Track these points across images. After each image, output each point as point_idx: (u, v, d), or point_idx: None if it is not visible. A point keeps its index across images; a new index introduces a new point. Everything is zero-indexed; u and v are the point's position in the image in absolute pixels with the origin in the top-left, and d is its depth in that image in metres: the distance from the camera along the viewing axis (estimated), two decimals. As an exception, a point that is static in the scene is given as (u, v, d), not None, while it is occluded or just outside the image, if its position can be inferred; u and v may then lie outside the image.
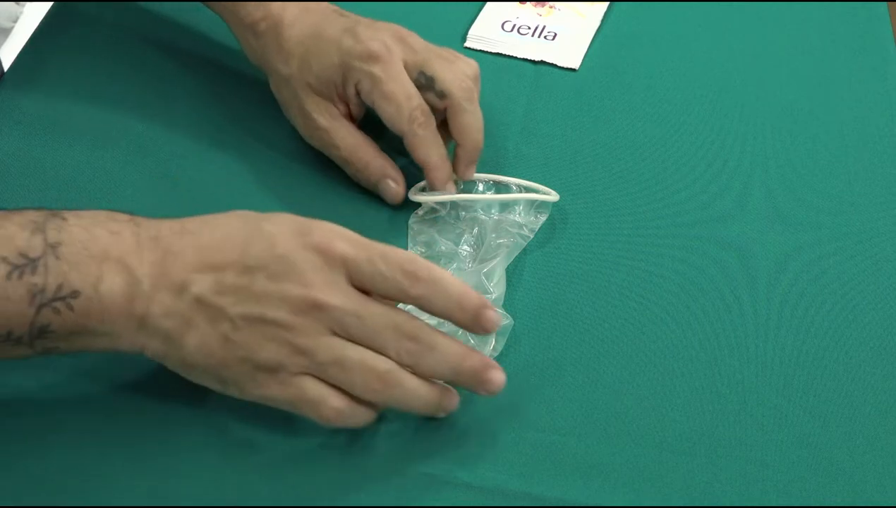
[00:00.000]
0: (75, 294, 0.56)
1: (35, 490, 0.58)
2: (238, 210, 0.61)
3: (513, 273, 0.70)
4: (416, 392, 0.59)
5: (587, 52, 0.87)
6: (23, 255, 0.55)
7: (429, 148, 0.71)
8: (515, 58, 0.87)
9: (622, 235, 0.73)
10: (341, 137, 0.73)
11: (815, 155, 0.80)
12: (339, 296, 0.57)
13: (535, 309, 0.69)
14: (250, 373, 0.57)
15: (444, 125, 0.73)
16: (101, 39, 0.86)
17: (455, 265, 0.69)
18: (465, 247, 0.71)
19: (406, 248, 0.71)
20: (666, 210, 0.75)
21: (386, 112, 0.71)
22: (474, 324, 0.59)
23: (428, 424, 0.62)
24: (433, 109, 0.72)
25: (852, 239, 0.74)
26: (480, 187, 0.74)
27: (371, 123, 0.74)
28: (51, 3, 0.88)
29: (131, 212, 0.60)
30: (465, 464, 0.60)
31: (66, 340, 0.57)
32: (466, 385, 0.60)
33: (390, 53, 0.71)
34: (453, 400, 0.61)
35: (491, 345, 0.64)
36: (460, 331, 0.61)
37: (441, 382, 0.60)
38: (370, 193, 0.75)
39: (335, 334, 0.57)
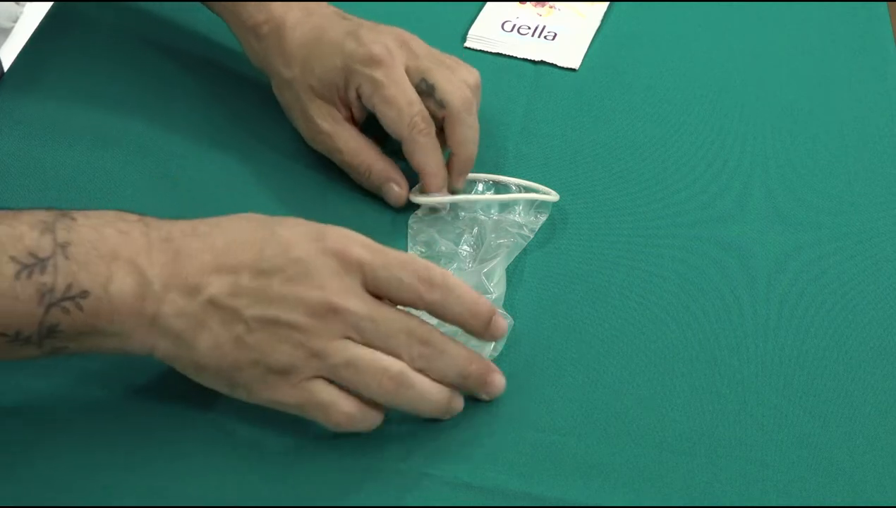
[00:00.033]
0: (85, 293, 0.56)
1: (41, 492, 0.58)
2: (247, 213, 0.61)
3: (513, 273, 0.70)
4: (427, 393, 0.59)
5: (587, 52, 0.87)
6: (32, 255, 0.55)
7: (427, 154, 0.71)
8: (515, 58, 0.87)
9: (622, 235, 0.73)
10: (344, 141, 0.73)
11: (815, 155, 0.80)
12: (355, 300, 0.57)
13: (535, 309, 0.69)
14: (261, 376, 0.57)
15: (440, 132, 0.73)
16: (101, 39, 0.86)
17: (455, 265, 0.69)
18: (465, 247, 0.71)
19: (406, 249, 0.71)
20: (666, 210, 0.75)
21: (386, 116, 0.71)
22: (484, 331, 0.61)
23: (428, 424, 0.62)
24: (432, 116, 0.72)
25: (852, 239, 0.74)
26: (480, 187, 0.74)
27: (373, 126, 0.74)
28: (51, 3, 0.88)
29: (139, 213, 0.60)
30: (465, 464, 0.60)
31: (74, 340, 0.57)
32: (471, 387, 0.61)
33: (392, 58, 0.71)
34: (459, 403, 0.61)
35: (491, 346, 0.64)
36: (459, 332, 0.61)
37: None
38: (370, 194, 0.75)
39: (349, 338, 0.57)
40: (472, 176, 0.74)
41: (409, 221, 0.73)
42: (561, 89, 0.84)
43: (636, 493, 0.59)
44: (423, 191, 0.72)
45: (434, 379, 0.59)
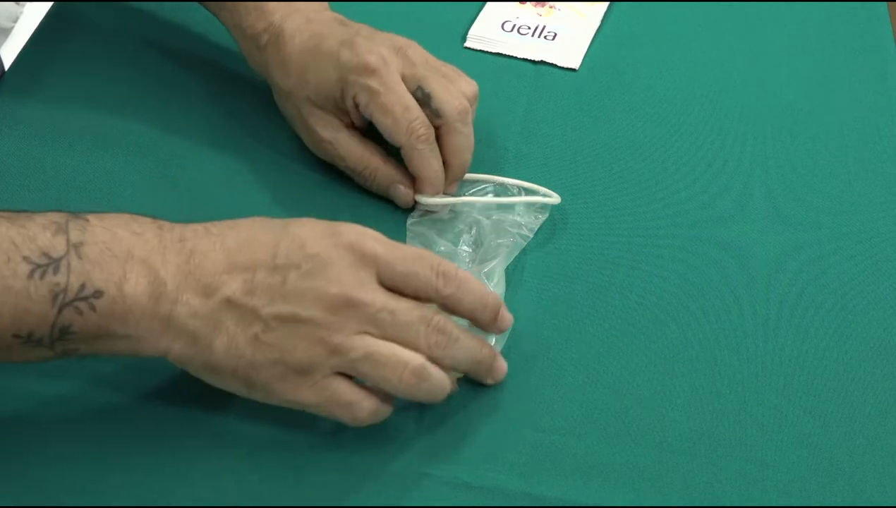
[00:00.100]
0: (98, 294, 0.55)
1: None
2: (257, 216, 0.61)
3: (513, 273, 0.70)
4: (442, 384, 0.60)
5: (587, 52, 0.87)
6: (45, 255, 0.55)
7: (426, 161, 0.71)
8: (515, 58, 0.87)
9: (622, 235, 0.73)
10: (346, 148, 0.73)
11: (815, 155, 0.80)
12: (372, 293, 0.58)
13: (535, 309, 0.69)
14: (281, 375, 0.57)
15: (436, 139, 0.73)
16: (101, 40, 0.86)
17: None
18: (465, 247, 0.71)
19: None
20: (666, 210, 0.75)
21: (383, 124, 0.71)
22: (492, 322, 0.62)
23: (428, 424, 0.62)
24: None
25: (852, 239, 0.74)
26: (482, 188, 0.74)
27: (375, 129, 0.74)
28: (51, 4, 0.88)
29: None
30: (465, 464, 0.60)
31: (87, 342, 0.57)
32: (480, 373, 0.63)
33: (387, 66, 0.70)
34: (455, 388, 0.62)
35: (492, 343, 0.64)
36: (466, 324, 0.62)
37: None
38: (370, 194, 0.75)
39: (366, 332, 0.57)
40: (473, 176, 0.74)
41: (408, 222, 0.73)
42: (561, 89, 0.84)
43: (636, 493, 0.59)
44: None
45: (446, 367, 0.60)
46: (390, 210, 0.74)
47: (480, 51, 0.87)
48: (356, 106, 0.71)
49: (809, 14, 0.92)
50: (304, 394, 0.58)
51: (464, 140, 0.72)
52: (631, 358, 0.66)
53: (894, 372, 0.66)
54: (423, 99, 0.71)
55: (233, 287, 0.57)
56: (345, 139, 0.73)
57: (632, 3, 0.92)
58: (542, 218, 0.73)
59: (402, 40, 0.73)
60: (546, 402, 0.64)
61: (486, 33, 0.88)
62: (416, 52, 0.73)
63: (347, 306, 0.57)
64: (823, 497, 0.60)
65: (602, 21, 0.90)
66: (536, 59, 0.86)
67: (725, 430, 0.62)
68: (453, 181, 0.73)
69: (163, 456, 0.60)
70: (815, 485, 0.60)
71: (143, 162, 0.76)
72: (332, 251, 0.58)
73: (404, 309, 0.58)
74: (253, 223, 0.60)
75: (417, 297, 0.59)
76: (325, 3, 0.78)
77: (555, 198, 0.73)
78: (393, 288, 0.59)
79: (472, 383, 0.64)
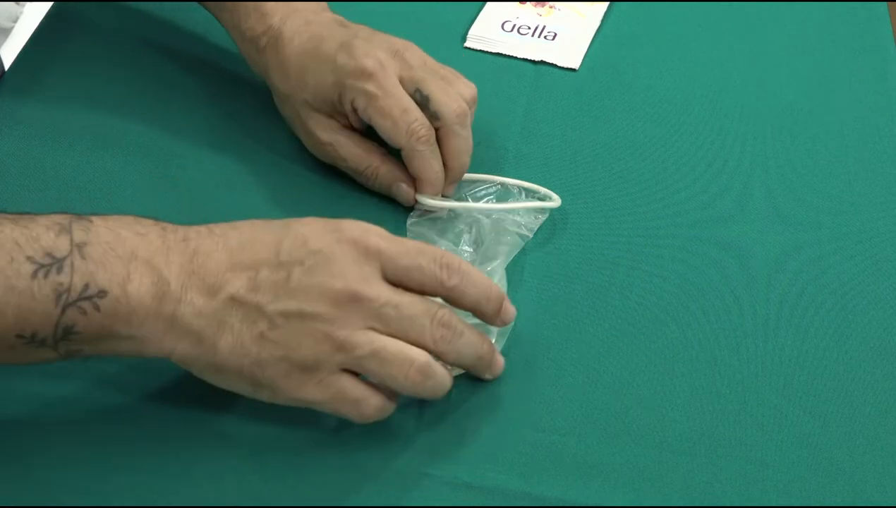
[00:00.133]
0: (102, 293, 0.55)
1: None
2: (259, 219, 0.61)
3: (513, 273, 0.70)
4: (445, 381, 0.60)
5: (587, 52, 0.87)
6: (49, 255, 0.55)
7: (426, 162, 0.71)
8: (515, 58, 0.87)
9: (622, 235, 0.73)
10: (346, 149, 0.73)
11: (815, 155, 0.80)
12: (376, 288, 0.58)
13: (535, 309, 0.69)
14: (286, 372, 0.57)
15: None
16: (101, 40, 0.86)
17: (455, 265, 0.69)
18: (465, 247, 0.71)
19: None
20: (666, 210, 0.75)
21: (382, 127, 0.71)
22: (495, 315, 0.62)
23: (428, 424, 0.62)
24: None
25: (852, 239, 0.74)
26: (483, 189, 0.74)
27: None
28: (51, 4, 0.88)
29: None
30: (465, 464, 0.60)
31: (90, 343, 0.57)
32: (482, 368, 0.63)
33: (384, 70, 0.70)
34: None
35: (492, 342, 0.64)
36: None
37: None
38: (369, 194, 0.75)
39: (372, 328, 0.58)
40: (474, 177, 0.74)
41: (409, 222, 0.73)
42: (561, 89, 0.84)
43: (636, 493, 0.59)
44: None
45: (450, 361, 0.60)
46: (391, 210, 0.74)
47: (480, 51, 0.87)
48: (354, 110, 0.71)
49: (809, 14, 0.92)
50: (311, 391, 0.58)
51: (462, 143, 0.72)
52: (631, 358, 0.66)
53: (894, 372, 0.66)
54: (422, 101, 0.71)
55: (237, 285, 0.57)
56: (344, 140, 0.73)
57: (632, 3, 0.92)
58: (542, 218, 0.73)
59: (399, 42, 0.73)
60: (546, 402, 0.64)
61: (486, 33, 0.88)
62: (414, 54, 0.73)
63: (352, 301, 0.57)
64: (823, 497, 0.60)
65: (602, 21, 0.90)
66: (536, 59, 0.86)
67: (725, 430, 0.62)
68: (451, 183, 0.73)
69: (165, 457, 0.60)
70: (815, 485, 0.60)
71: (143, 162, 0.76)
72: (335, 247, 0.58)
73: (409, 303, 0.58)
74: (255, 223, 0.60)
75: (422, 291, 0.60)
76: (325, 4, 0.78)
77: (555, 202, 0.73)
78: (397, 282, 0.59)
79: (472, 383, 0.64)
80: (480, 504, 0.59)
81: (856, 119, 0.83)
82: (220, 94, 0.82)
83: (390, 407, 0.60)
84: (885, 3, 0.93)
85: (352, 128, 0.74)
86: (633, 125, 0.82)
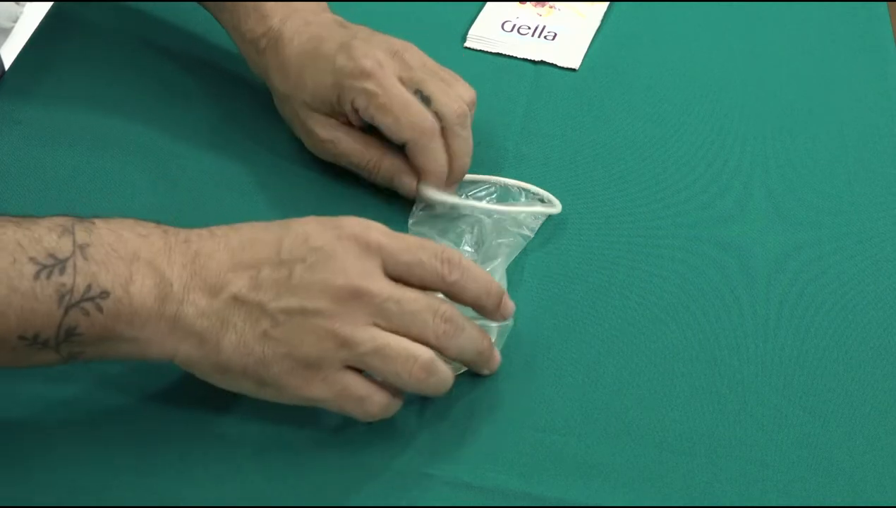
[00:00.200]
0: (104, 294, 0.55)
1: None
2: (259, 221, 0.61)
3: (513, 273, 0.70)
4: (447, 378, 0.60)
5: (587, 52, 0.87)
6: (51, 256, 0.55)
7: (431, 154, 0.71)
8: (515, 58, 0.87)
9: (622, 235, 0.73)
10: (347, 144, 0.73)
11: (815, 155, 0.80)
12: (378, 283, 0.58)
13: (535, 309, 0.69)
14: (291, 370, 0.57)
15: None
16: (101, 40, 0.86)
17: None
18: (466, 247, 0.71)
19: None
20: (666, 210, 0.75)
21: (384, 123, 0.70)
22: (495, 310, 0.62)
23: (428, 424, 0.62)
24: None
25: (852, 239, 0.74)
26: (484, 190, 0.74)
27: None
28: (51, 4, 0.88)
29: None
30: (465, 464, 0.60)
31: (93, 344, 0.56)
32: (481, 363, 0.63)
33: (383, 69, 0.70)
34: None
35: (493, 341, 0.64)
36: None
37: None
38: (369, 194, 0.75)
39: (375, 324, 0.58)
40: (475, 177, 0.74)
41: (410, 222, 0.73)
42: (561, 89, 0.84)
43: (636, 493, 0.59)
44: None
45: (452, 356, 0.60)
46: (392, 210, 0.74)
47: (480, 51, 0.87)
48: (355, 110, 0.71)
49: (809, 14, 0.92)
50: (316, 389, 0.58)
51: (463, 143, 0.72)
52: (631, 358, 0.66)
53: (894, 372, 0.66)
54: (423, 101, 0.71)
55: (239, 284, 0.57)
56: (345, 136, 0.73)
57: (632, 3, 0.92)
58: (543, 218, 0.73)
59: (399, 43, 0.73)
60: (546, 402, 0.64)
61: (486, 33, 0.88)
62: (414, 55, 0.73)
63: (354, 296, 0.57)
64: (823, 497, 0.60)
65: (602, 21, 0.90)
66: (536, 59, 0.86)
67: (725, 430, 0.63)
68: (452, 184, 0.73)
69: (167, 457, 0.60)
70: (815, 485, 0.60)
71: (143, 162, 0.76)
72: (336, 243, 0.58)
73: (411, 298, 0.58)
74: (255, 225, 0.61)
75: (423, 286, 0.60)
76: (325, 5, 0.78)
77: (556, 208, 0.73)
78: (398, 277, 0.59)
79: (472, 383, 0.64)
80: (480, 504, 0.59)
81: (856, 119, 0.83)
82: (220, 94, 0.82)
83: (395, 406, 0.60)
84: (885, 3, 0.93)
85: (351, 125, 0.74)
86: (633, 125, 0.82)
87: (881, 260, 0.72)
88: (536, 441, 0.61)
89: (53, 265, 0.55)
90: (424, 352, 0.58)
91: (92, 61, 0.84)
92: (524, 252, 0.72)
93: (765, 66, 0.87)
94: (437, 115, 0.70)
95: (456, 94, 0.72)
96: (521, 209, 0.73)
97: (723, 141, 0.81)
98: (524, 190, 0.74)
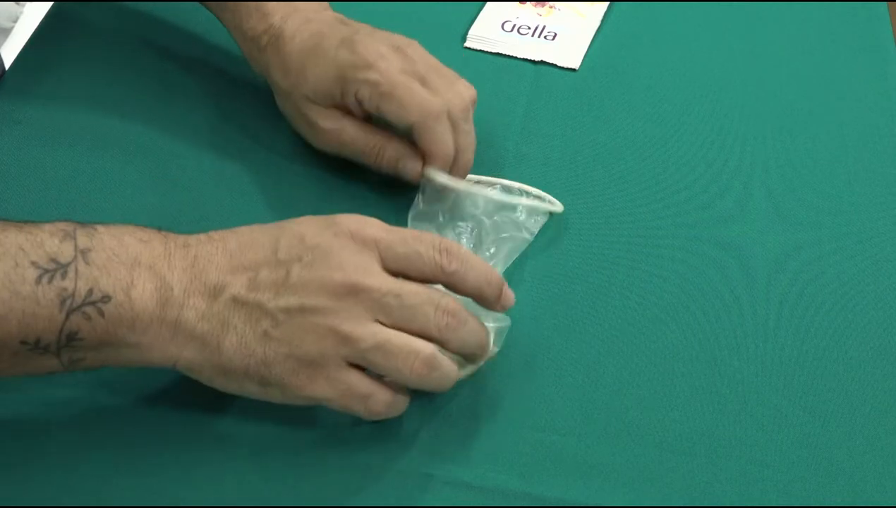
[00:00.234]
0: (106, 299, 0.55)
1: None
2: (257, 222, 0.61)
3: (513, 273, 0.70)
4: (450, 373, 0.60)
5: (587, 52, 0.87)
6: (53, 260, 0.55)
7: (438, 136, 0.70)
8: (515, 58, 0.87)
9: (622, 235, 0.73)
10: (350, 133, 0.73)
11: (815, 155, 0.80)
12: (376, 277, 0.58)
13: (535, 309, 0.69)
14: (293, 370, 0.57)
15: None
16: (101, 40, 0.86)
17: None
18: (466, 246, 0.71)
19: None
20: (666, 210, 0.75)
21: (390, 110, 0.70)
22: (496, 299, 0.62)
23: (428, 424, 0.62)
24: None
25: (852, 239, 0.74)
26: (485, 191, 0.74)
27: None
28: (51, 4, 0.88)
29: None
30: (465, 464, 0.60)
31: (94, 350, 0.56)
32: (478, 356, 0.62)
33: (386, 60, 0.70)
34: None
35: (492, 342, 0.64)
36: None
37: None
38: (369, 194, 0.75)
39: (376, 320, 0.57)
40: (476, 178, 0.74)
41: (410, 215, 0.73)
42: (561, 89, 0.84)
43: (636, 493, 0.59)
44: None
45: (454, 350, 0.60)
46: (391, 211, 0.74)
47: (480, 51, 0.87)
48: (359, 103, 0.71)
49: (809, 14, 0.92)
50: (319, 388, 0.57)
51: (466, 137, 0.72)
52: (631, 358, 0.66)
53: (894, 372, 0.66)
54: None
55: (237, 286, 0.57)
56: (349, 124, 0.73)
57: (632, 3, 0.92)
58: (543, 220, 0.73)
59: (402, 39, 0.73)
60: (546, 402, 0.64)
61: (486, 33, 0.88)
62: (416, 50, 0.73)
63: (352, 292, 0.57)
64: (823, 497, 0.60)
65: (602, 21, 0.90)
66: (536, 59, 0.86)
67: (725, 430, 0.63)
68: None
69: (166, 458, 0.60)
70: (815, 485, 0.60)
71: (143, 162, 0.76)
72: (332, 240, 0.58)
73: (411, 291, 0.58)
74: (252, 227, 0.61)
75: (423, 278, 0.59)
76: (326, 3, 0.78)
77: (557, 207, 0.73)
78: (397, 271, 0.59)
79: (472, 383, 0.64)
80: (480, 504, 0.59)
81: (856, 119, 0.83)
82: (220, 94, 0.82)
83: (401, 404, 0.60)
84: (885, 3, 0.93)
85: (353, 115, 0.74)
86: (633, 125, 0.82)
87: (881, 260, 0.72)
88: (536, 441, 0.61)
89: (55, 269, 0.55)
90: (426, 348, 0.58)
91: (92, 61, 0.84)
92: (524, 252, 0.71)
93: (765, 66, 0.87)
94: None
95: (458, 92, 0.72)
96: (525, 202, 0.73)
97: (723, 141, 0.81)
98: (525, 192, 0.74)
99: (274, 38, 0.74)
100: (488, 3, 0.91)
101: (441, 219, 0.73)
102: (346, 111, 0.73)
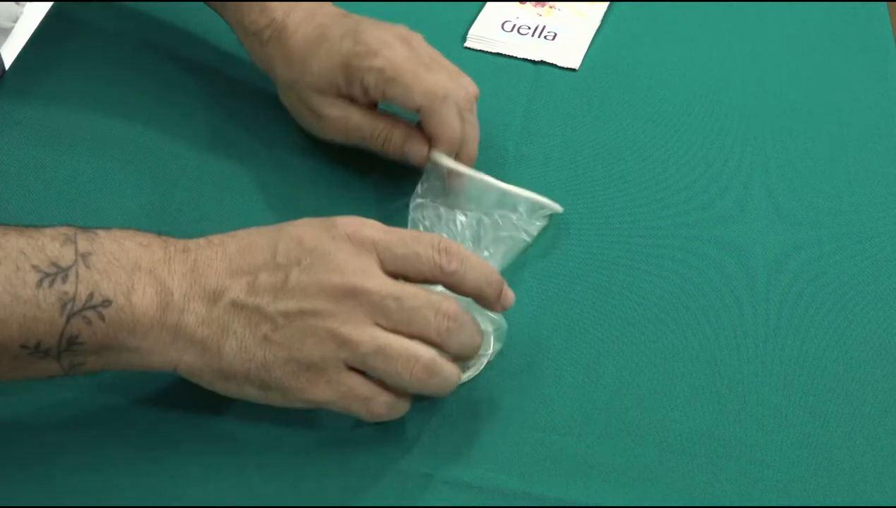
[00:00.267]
0: (106, 303, 0.55)
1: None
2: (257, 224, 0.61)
3: (513, 273, 0.70)
4: (451, 378, 0.59)
5: (587, 52, 0.87)
6: (54, 264, 0.55)
7: (444, 119, 0.70)
8: (515, 58, 0.87)
9: (622, 236, 0.73)
10: (356, 119, 0.73)
11: (815, 155, 0.80)
12: (375, 280, 0.57)
13: (535, 309, 0.69)
14: (293, 373, 0.57)
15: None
16: (102, 40, 0.86)
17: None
18: (466, 244, 0.71)
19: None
20: (666, 210, 0.75)
21: (395, 94, 0.70)
22: (496, 299, 0.61)
23: (428, 424, 0.62)
24: None
25: (852, 239, 0.74)
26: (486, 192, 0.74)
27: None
28: (51, 4, 0.88)
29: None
30: (466, 464, 0.60)
31: (95, 354, 0.56)
32: (474, 359, 0.62)
33: (391, 48, 0.71)
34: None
35: (491, 341, 0.64)
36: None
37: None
38: (369, 193, 0.75)
39: (376, 324, 0.57)
40: (481, 179, 0.74)
41: (410, 206, 0.72)
42: (561, 89, 0.84)
43: (636, 493, 0.59)
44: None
45: (453, 352, 0.59)
46: (391, 210, 0.74)
47: (480, 51, 0.87)
48: (365, 90, 0.71)
49: (809, 14, 0.92)
50: (320, 392, 0.57)
51: (470, 129, 0.72)
52: (631, 358, 0.66)
53: (894, 372, 0.66)
54: None
55: (236, 290, 0.57)
56: (355, 111, 0.73)
57: (632, 3, 0.92)
58: (542, 224, 0.73)
59: (406, 31, 0.73)
60: (546, 402, 0.64)
61: (486, 33, 0.88)
62: (420, 43, 0.73)
63: (351, 295, 0.57)
64: (823, 497, 0.60)
65: (602, 21, 0.90)
66: (536, 59, 0.86)
67: (725, 430, 0.63)
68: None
69: (166, 458, 0.60)
70: (815, 485, 0.60)
71: (143, 162, 0.76)
72: (330, 243, 0.58)
73: (410, 294, 0.58)
74: (251, 230, 0.61)
75: (422, 279, 0.59)
76: (327, 2, 0.78)
77: (558, 208, 0.73)
78: (396, 272, 0.59)
79: (472, 383, 0.64)
80: (480, 504, 0.59)
81: (856, 119, 0.83)
82: (220, 94, 0.82)
83: (402, 406, 0.59)
84: (885, 3, 0.93)
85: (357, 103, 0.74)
86: (633, 125, 0.82)
87: (881, 260, 0.72)
88: (536, 441, 0.61)
89: (56, 273, 0.55)
90: (426, 352, 0.58)
91: (92, 61, 0.84)
92: (524, 252, 0.71)
93: (765, 66, 0.87)
94: None
95: (461, 85, 0.72)
96: (529, 194, 0.72)
97: (723, 141, 0.81)
98: (528, 197, 0.74)
99: (277, 31, 0.74)
100: (488, 3, 0.91)
101: (441, 222, 0.72)
102: (351, 101, 0.73)
